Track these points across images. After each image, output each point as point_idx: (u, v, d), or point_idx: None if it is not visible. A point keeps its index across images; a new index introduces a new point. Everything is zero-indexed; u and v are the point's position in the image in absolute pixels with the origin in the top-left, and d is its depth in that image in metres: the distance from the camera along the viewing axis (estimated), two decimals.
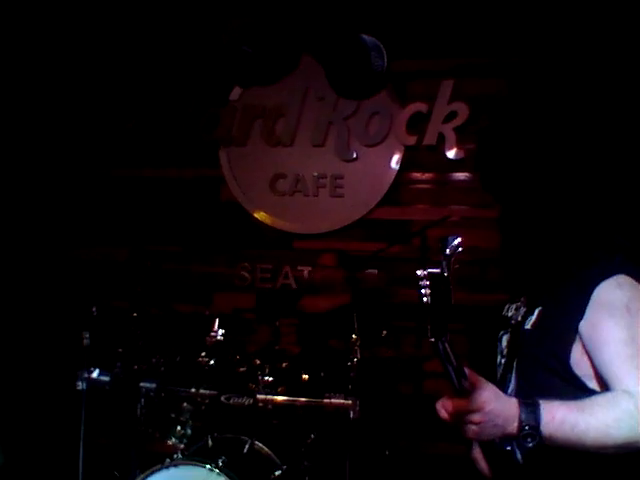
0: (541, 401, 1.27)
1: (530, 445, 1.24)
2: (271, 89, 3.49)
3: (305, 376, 2.76)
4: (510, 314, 1.59)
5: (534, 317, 1.45)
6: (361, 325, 2.76)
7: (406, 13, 3.60)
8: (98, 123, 4.08)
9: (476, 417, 1.24)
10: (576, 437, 1.24)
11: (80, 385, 2.77)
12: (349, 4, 3.62)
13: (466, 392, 1.24)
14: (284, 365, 2.76)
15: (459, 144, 3.52)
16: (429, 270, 1.19)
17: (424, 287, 1.20)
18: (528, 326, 1.46)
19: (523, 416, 1.25)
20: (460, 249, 1.22)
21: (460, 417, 1.26)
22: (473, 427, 1.25)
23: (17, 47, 3.93)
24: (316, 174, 3.75)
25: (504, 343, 1.60)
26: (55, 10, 3.88)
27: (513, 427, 1.25)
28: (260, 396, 2.58)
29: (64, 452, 3.04)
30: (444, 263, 1.19)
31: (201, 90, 3.89)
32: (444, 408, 1.30)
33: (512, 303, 1.61)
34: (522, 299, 1.57)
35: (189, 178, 3.97)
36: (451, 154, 3.54)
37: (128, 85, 4.01)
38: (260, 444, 2.68)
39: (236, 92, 3.83)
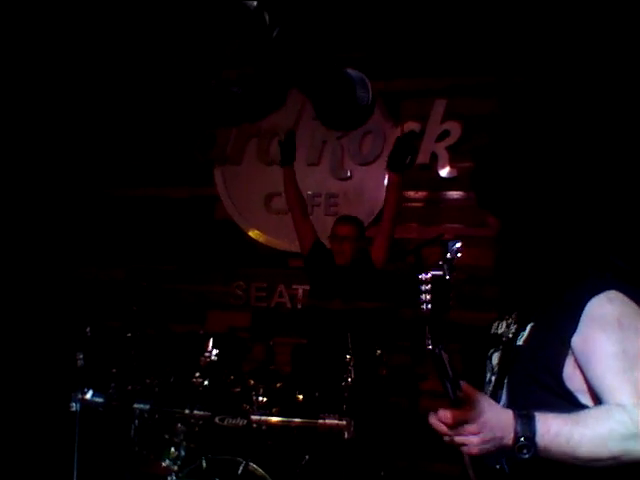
0: (536, 413, 1.27)
1: (525, 456, 1.25)
2: None
3: (300, 396, 2.75)
4: (500, 331, 1.59)
5: (526, 333, 1.45)
6: (355, 345, 2.76)
7: (400, 34, 3.65)
8: (95, 142, 4.10)
9: (473, 428, 1.24)
10: (571, 449, 1.24)
11: (74, 406, 2.75)
12: (342, 27, 3.69)
13: (461, 403, 1.25)
14: (278, 385, 2.75)
15: (452, 163, 3.55)
16: (432, 273, 1.20)
17: (425, 292, 1.21)
18: (520, 342, 1.46)
19: (519, 427, 1.25)
20: (460, 254, 1.23)
21: (456, 428, 1.26)
22: (470, 438, 1.25)
23: (13, 65, 3.95)
24: (311, 192, 3.77)
25: (495, 360, 1.60)
26: (53, 27, 3.90)
27: (509, 438, 1.25)
28: (254, 417, 2.57)
29: (58, 473, 3.01)
30: (445, 267, 1.20)
31: (197, 111, 3.92)
32: (441, 419, 1.30)
33: (502, 320, 1.62)
34: (513, 316, 1.57)
35: (184, 197, 3.98)
36: (444, 173, 3.57)
37: (124, 106, 4.04)
38: (255, 465, 2.65)
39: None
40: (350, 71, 0.60)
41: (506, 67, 3.46)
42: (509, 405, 1.45)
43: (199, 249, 3.96)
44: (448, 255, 1.21)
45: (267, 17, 0.55)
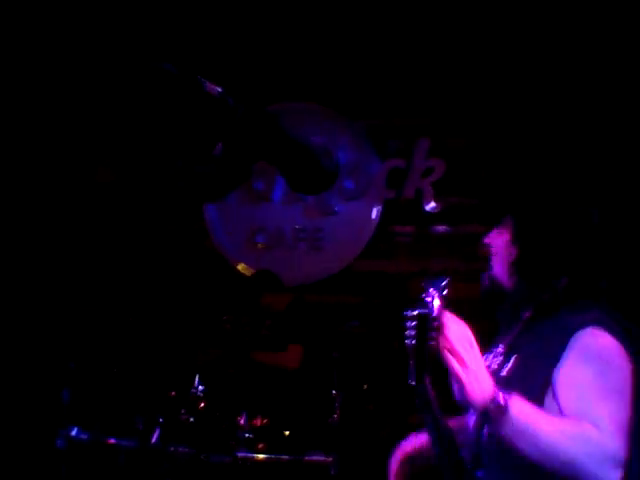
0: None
1: (494, 419, 1.29)
2: None
3: (286, 432, 2.75)
4: (487, 363, 1.63)
5: (510, 364, 1.49)
6: (341, 379, 2.77)
7: (385, 73, 3.74)
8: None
9: (460, 363, 1.31)
10: (533, 433, 1.28)
11: (59, 443, 2.74)
12: (324, 67, 3.79)
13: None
14: (264, 421, 2.75)
15: (437, 198, 3.61)
16: (418, 311, 1.23)
17: (409, 328, 1.24)
18: (504, 373, 1.50)
19: (498, 391, 1.32)
20: (446, 291, 1.27)
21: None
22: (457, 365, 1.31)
23: None
24: (297, 227, 3.82)
25: None
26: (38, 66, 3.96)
27: (488, 393, 1.31)
28: (240, 454, 2.57)
29: None
30: (431, 304, 1.24)
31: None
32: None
33: (489, 353, 1.65)
34: (499, 348, 1.61)
35: (173, 229, 4.01)
36: (429, 207, 3.63)
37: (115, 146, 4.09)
38: None
39: (219, 148, 3.92)
40: (314, 140, 0.65)
41: (486, 107, 3.55)
42: (490, 434, 1.48)
43: (188, 282, 3.98)
44: (434, 292, 1.24)
45: (230, 100, 0.59)
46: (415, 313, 1.26)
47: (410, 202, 3.66)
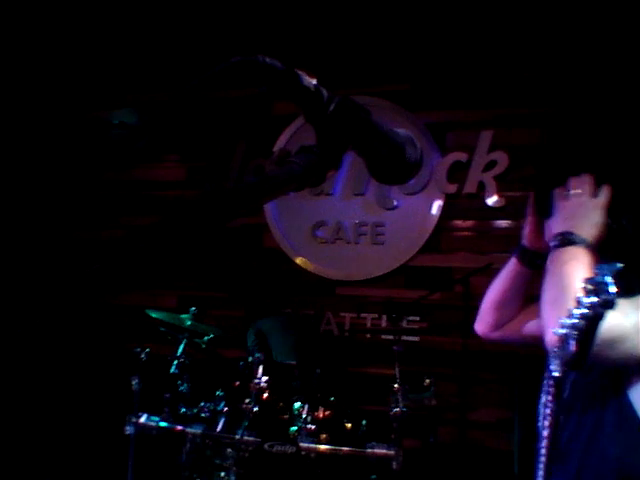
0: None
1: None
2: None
3: (348, 425, 2.77)
4: None
5: None
6: (403, 374, 2.78)
7: (447, 66, 3.71)
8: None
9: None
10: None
11: (128, 430, 2.85)
12: (387, 61, 3.78)
13: None
14: (327, 413, 2.78)
15: (499, 192, 3.55)
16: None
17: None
18: None
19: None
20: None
21: None
22: None
23: None
24: (357, 222, 3.83)
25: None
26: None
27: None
28: (303, 444, 2.60)
29: None
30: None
31: (247, 142, 4.07)
32: None
33: None
34: None
35: (234, 226, 4.09)
36: (491, 202, 3.57)
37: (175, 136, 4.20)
38: None
39: (280, 143, 3.98)
40: (400, 132, 0.66)
41: (552, 98, 3.47)
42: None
43: (248, 277, 4.06)
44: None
45: (324, 92, 0.62)
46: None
47: (471, 196, 3.62)
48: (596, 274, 1.08)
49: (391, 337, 3.05)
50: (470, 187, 3.61)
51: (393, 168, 0.66)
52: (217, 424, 2.77)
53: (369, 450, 2.56)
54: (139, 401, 2.90)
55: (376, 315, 3.74)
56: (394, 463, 2.54)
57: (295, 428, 2.69)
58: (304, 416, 2.71)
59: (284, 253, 3.98)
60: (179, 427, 2.80)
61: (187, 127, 4.25)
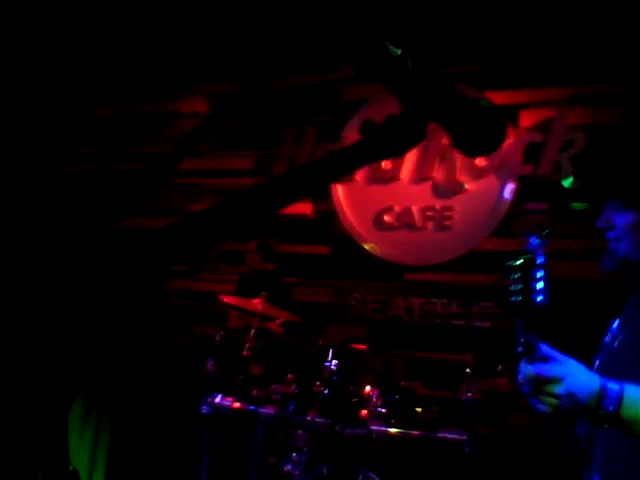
0: (626, 385, 1.21)
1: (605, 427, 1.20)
2: None
3: (419, 409, 2.76)
4: (607, 340, 1.58)
5: (622, 336, 1.46)
6: (476, 360, 2.74)
7: (517, 44, 3.59)
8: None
9: (556, 389, 1.20)
10: None
11: (204, 409, 2.94)
12: (460, 39, 3.69)
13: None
14: (397, 397, 2.78)
15: (575, 173, 3.42)
16: (521, 258, 1.18)
17: (513, 282, 1.19)
18: (616, 344, 1.46)
19: (604, 400, 1.20)
20: (548, 242, 1.22)
21: (539, 386, 1.22)
22: (550, 400, 1.21)
23: None
24: (425, 206, 3.78)
25: (595, 365, 1.59)
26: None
27: (591, 406, 1.20)
28: (374, 427, 2.62)
29: (188, 473, 3.22)
30: (534, 251, 1.19)
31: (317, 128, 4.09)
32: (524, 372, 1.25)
33: (610, 328, 1.60)
34: (617, 323, 1.56)
35: (305, 213, 4.13)
36: (567, 184, 3.45)
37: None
38: (373, 475, 2.71)
39: (347, 128, 3.97)
40: (483, 102, 0.66)
41: (632, 76, 3.29)
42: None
43: (316, 263, 4.09)
44: (536, 240, 1.19)
45: (410, 62, 0.62)
46: (518, 263, 1.20)
47: (546, 178, 3.50)
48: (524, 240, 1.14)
49: (462, 322, 3.01)
50: (544, 168, 3.49)
51: (481, 136, 0.65)
52: (288, 406, 2.82)
53: (440, 435, 2.55)
54: (214, 382, 3.00)
55: (446, 300, 3.69)
56: (466, 448, 2.52)
57: (366, 411, 2.71)
58: (374, 400, 2.73)
59: (352, 239, 3.99)
60: (252, 408, 2.87)
61: (256, 115, 4.31)
